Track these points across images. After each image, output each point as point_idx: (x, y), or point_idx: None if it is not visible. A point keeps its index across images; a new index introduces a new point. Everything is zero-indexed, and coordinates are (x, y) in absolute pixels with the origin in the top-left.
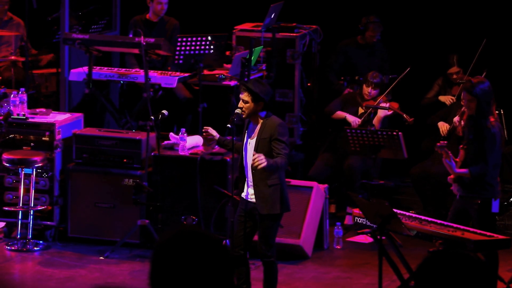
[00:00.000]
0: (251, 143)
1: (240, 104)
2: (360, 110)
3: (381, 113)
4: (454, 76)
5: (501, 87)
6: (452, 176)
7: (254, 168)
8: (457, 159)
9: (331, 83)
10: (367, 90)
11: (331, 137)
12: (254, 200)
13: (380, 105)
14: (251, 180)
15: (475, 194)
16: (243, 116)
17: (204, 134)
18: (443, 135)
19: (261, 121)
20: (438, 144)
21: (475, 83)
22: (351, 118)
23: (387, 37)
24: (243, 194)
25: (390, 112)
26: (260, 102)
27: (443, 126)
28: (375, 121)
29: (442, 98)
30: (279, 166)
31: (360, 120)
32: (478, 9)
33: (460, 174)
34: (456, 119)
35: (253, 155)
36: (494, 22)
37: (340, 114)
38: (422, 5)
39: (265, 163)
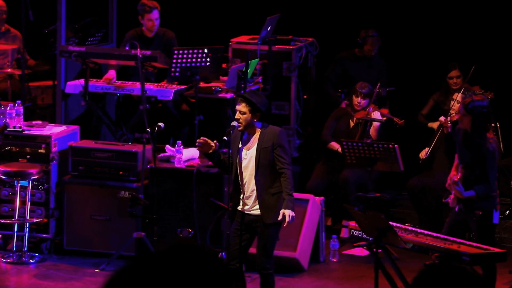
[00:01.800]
0: (248, 153)
1: (237, 115)
2: (352, 123)
3: (375, 123)
4: (454, 80)
5: (497, 100)
6: (452, 196)
7: (257, 177)
8: (456, 174)
9: (328, 95)
10: (356, 100)
11: (328, 150)
12: (252, 212)
13: (372, 115)
14: (251, 191)
15: (477, 206)
16: (240, 128)
17: (200, 143)
18: (422, 158)
19: (258, 131)
20: (449, 181)
21: (474, 99)
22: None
23: (385, 49)
24: (239, 207)
25: (384, 119)
26: (257, 113)
27: (422, 152)
28: (372, 131)
29: (431, 124)
30: (292, 188)
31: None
32: (478, 19)
33: (469, 197)
34: (442, 118)
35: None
36: (493, 35)
37: (333, 145)
38: (420, 16)
39: (293, 213)
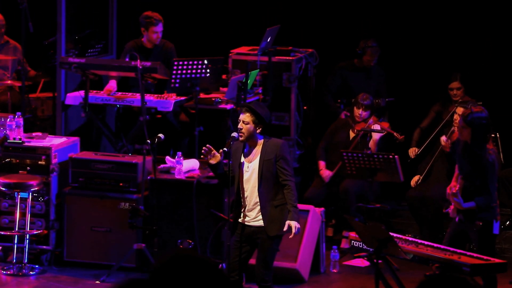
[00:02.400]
0: (250, 166)
1: (240, 125)
2: (352, 134)
3: (375, 135)
4: (455, 92)
5: (496, 111)
6: (452, 207)
7: (260, 189)
8: (456, 184)
9: (328, 106)
10: (358, 112)
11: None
12: (253, 223)
13: (372, 126)
14: (254, 203)
15: (477, 217)
16: (241, 138)
17: (205, 150)
18: (412, 186)
19: (260, 142)
20: (448, 192)
21: (473, 111)
22: (324, 174)
23: (384, 59)
24: (240, 219)
25: (384, 133)
26: (260, 125)
27: (414, 180)
28: (371, 144)
29: (410, 150)
30: (296, 200)
31: (331, 172)
32: (478, 29)
33: (468, 208)
34: (443, 138)
35: (288, 225)
36: (492, 45)
37: (319, 163)
38: (420, 26)
39: (298, 225)
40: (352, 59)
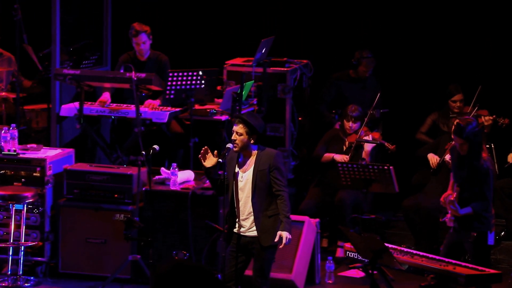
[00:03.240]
0: (244, 176)
1: (234, 136)
2: (344, 147)
3: (367, 146)
4: (458, 104)
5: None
6: (449, 215)
7: (254, 199)
8: (452, 193)
9: (322, 115)
10: (348, 125)
11: (321, 172)
12: (248, 233)
13: (363, 137)
14: (248, 213)
15: (471, 227)
16: (235, 149)
17: (202, 152)
18: (433, 167)
19: (254, 153)
20: (442, 200)
21: (464, 126)
22: (338, 157)
23: (379, 70)
24: (235, 229)
25: (377, 143)
26: (254, 135)
27: (433, 159)
28: (364, 155)
29: (430, 156)
30: (289, 210)
31: (347, 156)
32: (473, 43)
33: (466, 214)
34: (448, 157)
35: (280, 235)
36: (490, 60)
37: (327, 156)
38: (415, 38)
39: (289, 236)
40: (347, 69)
